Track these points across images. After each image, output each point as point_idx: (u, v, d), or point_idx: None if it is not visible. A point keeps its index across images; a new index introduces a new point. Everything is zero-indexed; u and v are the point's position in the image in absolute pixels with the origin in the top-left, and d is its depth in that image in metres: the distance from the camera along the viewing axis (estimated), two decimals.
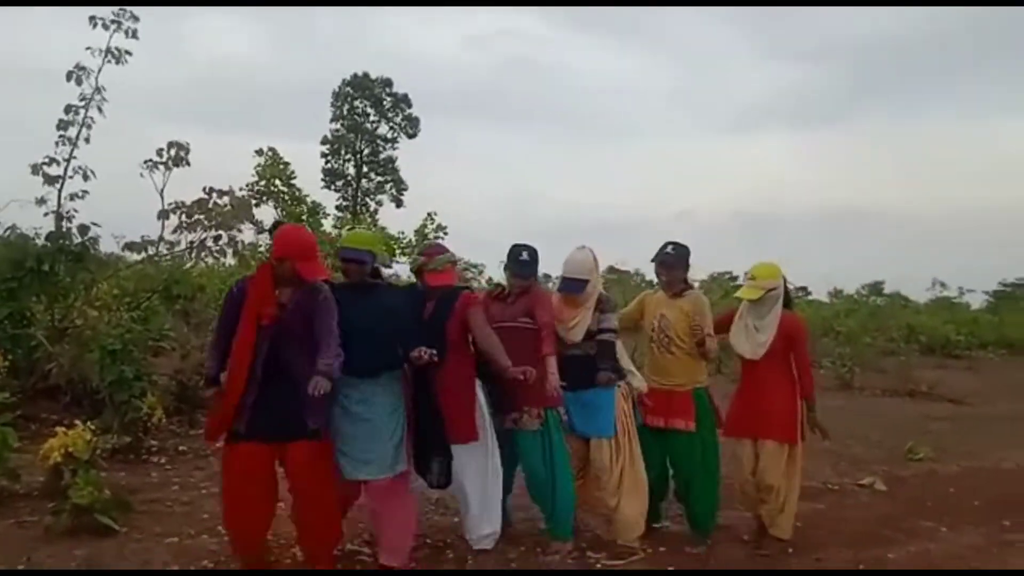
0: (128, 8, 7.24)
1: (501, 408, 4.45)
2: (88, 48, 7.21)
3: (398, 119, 44.03)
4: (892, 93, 77.67)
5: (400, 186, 43.88)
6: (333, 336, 3.74)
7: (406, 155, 44.38)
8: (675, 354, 4.74)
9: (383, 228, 17.55)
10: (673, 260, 4.80)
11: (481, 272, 18.39)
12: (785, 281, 4.79)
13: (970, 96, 79.26)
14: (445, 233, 17.95)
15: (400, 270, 18.21)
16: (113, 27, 7.25)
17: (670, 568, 4.47)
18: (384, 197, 43.82)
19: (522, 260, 4.52)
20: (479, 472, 4.36)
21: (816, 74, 74.35)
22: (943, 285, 28.66)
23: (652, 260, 4.87)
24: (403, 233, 18.09)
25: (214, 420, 3.86)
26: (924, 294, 29.29)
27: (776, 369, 4.69)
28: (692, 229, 65.28)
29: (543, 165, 70.32)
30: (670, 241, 4.85)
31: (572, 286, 4.57)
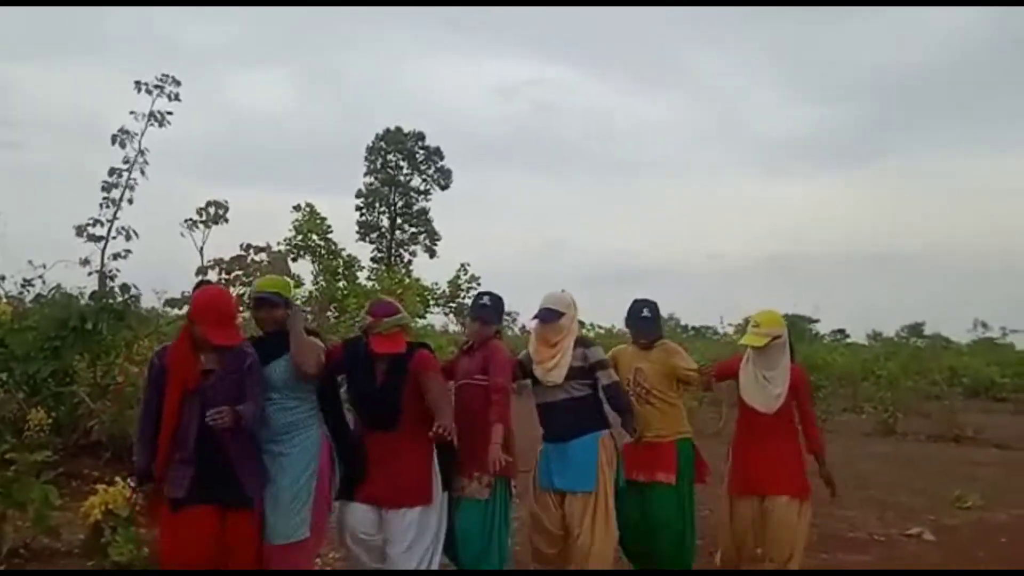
0: (170, 74, 7.52)
1: (450, 473, 4.17)
2: (132, 112, 7.47)
3: (431, 171, 44.71)
4: (925, 130, 77.16)
5: (433, 237, 44.35)
6: (259, 401, 3.66)
7: (439, 206, 44.96)
8: (654, 404, 4.63)
9: (417, 279, 17.73)
10: (650, 323, 4.75)
11: (515, 320, 18.45)
12: (789, 331, 4.71)
13: (1005, 130, 78.43)
14: (478, 283, 18.11)
15: (434, 321, 18.37)
16: (156, 91, 7.52)
17: None
18: (418, 248, 44.31)
19: (482, 304, 4.36)
20: (422, 538, 4.02)
21: (850, 113, 74.20)
22: (985, 325, 28.21)
23: (626, 322, 4.83)
24: (437, 284, 18.28)
25: (155, 507, 3.70)
26: (966, 335, 28.77)
27: (781, 421, 4.56)
28: (723, 272, 64.85)
29: (573, 211, 70.67)
30: (642, 301, 4.78)
31: (547, 314, 4.40)
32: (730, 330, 21.22)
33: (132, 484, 4.31)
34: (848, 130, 73.06)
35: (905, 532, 6.55)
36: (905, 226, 74.85)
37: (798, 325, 38.84)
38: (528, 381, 4.58)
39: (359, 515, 4.01)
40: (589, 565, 4.27)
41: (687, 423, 4.79)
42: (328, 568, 4.99)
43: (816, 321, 36.81)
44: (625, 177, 71.58)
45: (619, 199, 69.94)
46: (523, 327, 20.69)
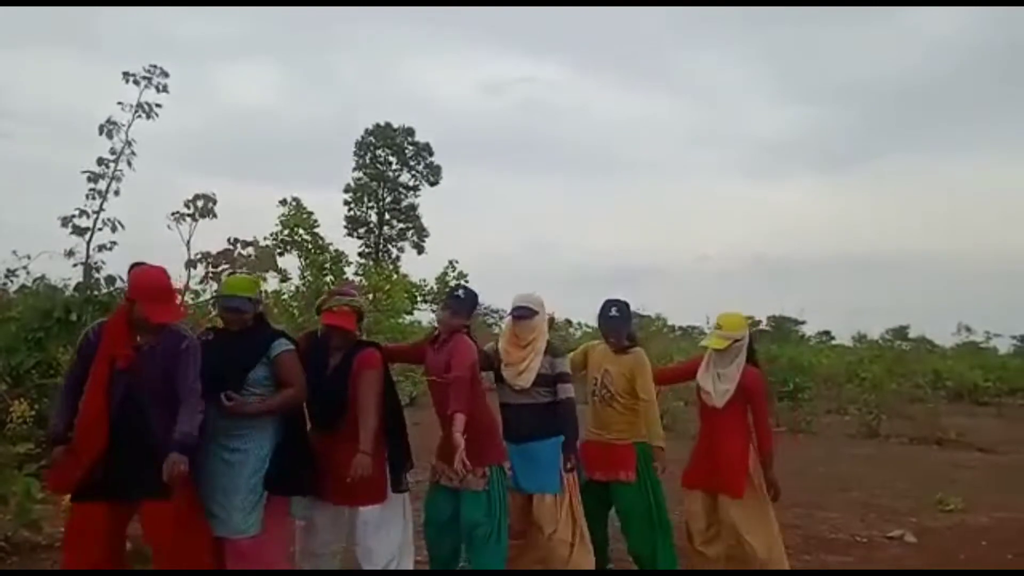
0: (159, 65, 7.46)
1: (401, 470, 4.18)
2: (120, 103, 7.41)
3: (420, 167, 44.61)
4: (915, 135, 77.63)
5: (422, 233, 44.27)
6: (193, 393, 3.51)
7: (428, 202, 44.89)
8: (616, 408, 4.68)
9: (405, 275, 17.72)
10: (618, 322, 4.76)
11: (503, 318, 18.47)
12: (750, 335, 4.80)
13: (995, 138, 79.11)
14: (467, 280, 18.14)
15: (421, 317, 18.36)
16: (144, 83, 7.46)
17: None
18: (406, 244, 44.24)
19: (455, 295, 4.35)
20: (385, 537, 4.06)
21: (838, 116, 74.68)
22: (969, 330, 28.39)
23: (598, 320, 4.84)
24: (425, 280, 18.30)
25: (58, 472, 3.60)
26: (950, 339, 28.98)
27: (732, 422, 4.65)
28: (711, 273, 65.09)
29: (562, 210, 70.79)
30: (611, 300, 4.80)
31: (522, 311, 4.43)
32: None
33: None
34: (836, 133, 73.60)
35: (887, 534, 6.58)
36: (891, 229, 75.46)
37: (783, 327, 39.07)
38: (490, 374, 4.58)
39: (317, 525, 4.07)
40: (572, 559, 4.38)
41: (641, 430, 4.75)
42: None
43: (802, 323, 37.10)
44: (615, 176, 71.84)
45: (608, 198, 70.18)
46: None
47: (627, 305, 4.81)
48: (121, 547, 3.70)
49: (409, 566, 4.20)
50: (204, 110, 61.78)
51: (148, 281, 3.58)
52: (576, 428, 4.43)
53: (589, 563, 4.47)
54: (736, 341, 4.65)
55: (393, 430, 4.12)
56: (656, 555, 4.70)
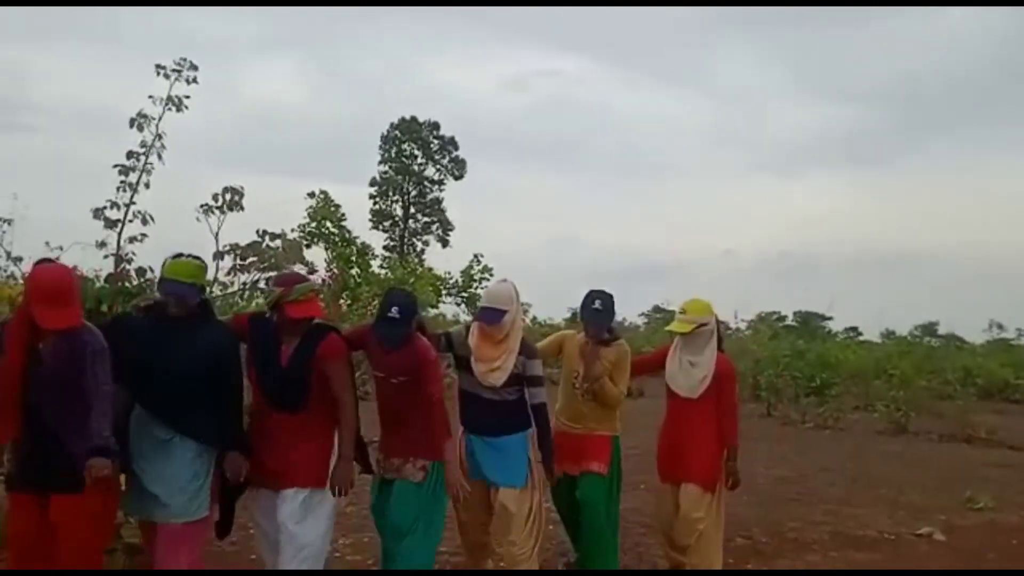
0: (188, 58, 7.52)
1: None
2: (150, 96, 7.48)
3: (445, 161, 44.68)
4: (942, 133, 76.54)
5: (446, 227, 44.38)
6: (104, 397, 3.32)
7: (452, 196, 44.96)
8: (595, 402, 4.58)
9: (430, 269, 17.78)
10: (601, 315, 4.60)
11: (527, 312, 18.45)
12: (717, 320, 4.70)
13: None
14: (491, 274, 18.14)
15: (446, 310, 18.42)
16: (174, 76, 7.53)
17: None
18: (431, 238, 44.36)
19: (390, 316, 3.90)
20: (314, 521, 3.86)
21: (864, 114, 73.64)
22: (1000, 327, 27.99)
23: (580, 312, 4.69)
24: (449, 274, 18.33)
25: None
26: (980, 335, 28.59)
27: (702, 411, 4.57)
28: (736, 269, 64.53)
29: (586, 205, 70.58)
30: (595, 292, 4.64)
31: (489, 315, 4.17)
32: (743, 326, 21.25)
33: None
34: (866, 130, 72.59)
35: (916, 532, 6.51)
36: (921, 226, 74.44)
37: (810, 322, 38.71)
38: (450, 356, 4.45)
39: (260, 506, 3.95)
40: (517, 565, 4.25)
41: (618, 423, 4.71)
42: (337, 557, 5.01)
43: (829, 319, 36.74)
44: (639, 172, 71.49)
45: (632, 194, 69.90)
46: (534, 318, 20.71)
47: (611, 298, 4.64)
48: (38, 542, 3.46)
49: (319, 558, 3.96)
50: (231, 105, 62.24)
51: (44, 283, 3.30)
52: (550, 432, 4.30)
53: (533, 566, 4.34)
54: (701, 325, 4.54)
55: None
56: (606, 552, 4.62)
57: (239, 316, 4.18)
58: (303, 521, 3.81)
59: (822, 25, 75.08)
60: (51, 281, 3.32)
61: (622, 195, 68.99)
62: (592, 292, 4.60)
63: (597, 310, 4.59)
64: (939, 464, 10.33)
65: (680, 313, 4.64)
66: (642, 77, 76.62)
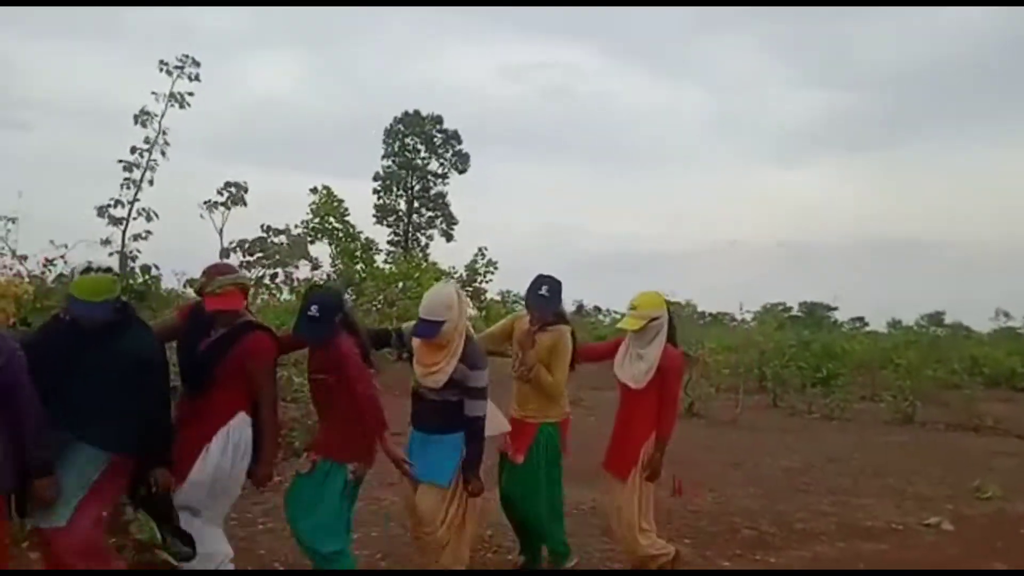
0: (190, 55, 7.53)
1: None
2: (153, 93, 7.50)
3: (448, 155, 44.60)
4: (943, 120, 76.33)
5: (450, 221, 44.29)
6: (31, 413, 3.19)
7: (456, 190, 44.91)
8: (532, 386, 4.53)
9: (434, 263, 17.78)
10: (546, 301, 4.51)
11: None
12: (670, 313, 4.62)
13: None
14: (495, 268, 18.14)
15: None
16: (177, 72, 7.54)
17: None
18: (434, 232, 44.30)
19: (309, 315, 3.79)
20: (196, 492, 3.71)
21: (862, 101, 73.47)
22: (1007, 315, 27.94)
23: (526, 296, 4.60)
24: (454, 268, 18.33)
25: None
26: (987, 324, 28.54)
27: (646, 403, 4.47)
28: (740, 259, 64.55)
29: (589, 196, 70.51)
30: (543, 277, 4.53)
31: (425, 329, 3.98)
32: (748, 316, 21.24)
33: None
34: (867, 118, 72.35)
35: (923, 522, 6.49)
36: (927, 214, 74.26)
37: (815, 313, 38.70)
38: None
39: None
40: (441, 561, 4.14)
41: (560, 409, 4.64)
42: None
43: (834, 309, 36.72)
44: (642, 163, 71.42)
45: (636, 185, 69.85)
46: None
47: (559, 284, 4.55)
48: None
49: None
50: (232, 99, 62.29)
51: None
52: (482, 448, 4.09)
53: (457, 565, 4.23)
54: (653, 320, 4.47)
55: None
56: (546, 540, 4.62)
57: (181, 308, 4.12)
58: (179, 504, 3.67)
59: (820, 14, 74.64)
60: None
61: (625, 186, 69.01)
62: (540, 277, 4.52)
63: (543, 295, 4.50)
64: (946, 454, 10.31)
65: (631, 308, 4.53)
66: (643, 67, 76.55)
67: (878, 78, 74.70)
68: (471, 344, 4.10)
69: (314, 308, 3.78)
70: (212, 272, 3.78)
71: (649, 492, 4.53)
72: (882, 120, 73.27)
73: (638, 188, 70.11)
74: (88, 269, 3.44)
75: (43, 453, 3.23)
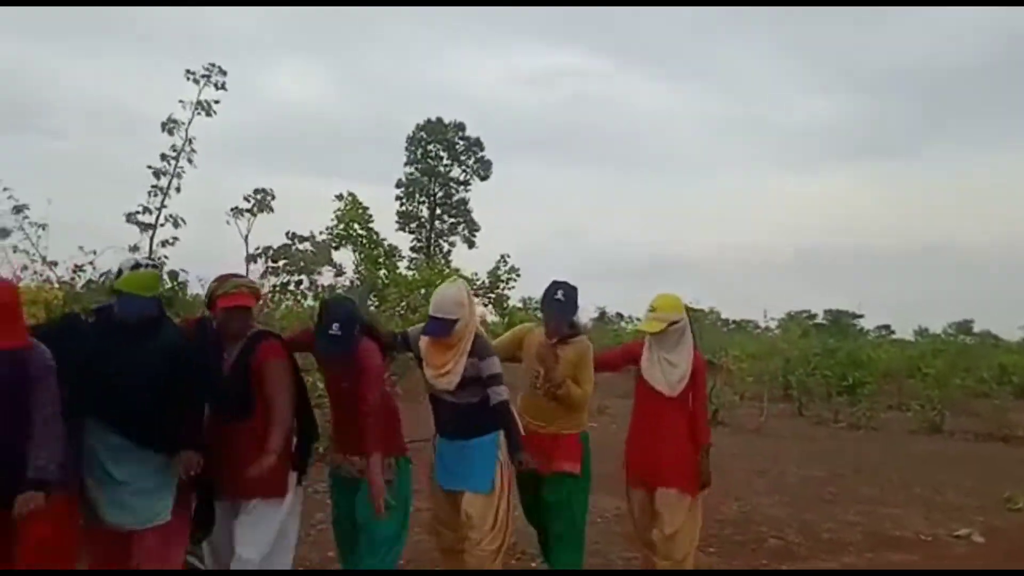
0: (217, 63, 7.60)
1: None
2: (180, 101, 7.58)
3: (470, 162, 44.76)
4: (969, 122, 74.97)
5: (472, 227, 44.44)
6: (49, 422, 3.18)
7: (478, 197, 45.05)
8: (559, 401, 4.31)
9: (457, 269, 17.78)
10: (563, 307, 4.34)
11: (534, 311, 18.44)
12: (689, 315, 4.52)
13: None
14: (518, 275, 18.12)
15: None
16: (203, 80, 7.61)
17: None
18: (457, 238, 44.44)
19: (331, 334, 3.73)
20: (266, 531, 3.74)
21: (884, 105, 72.46)
22: None
23: (541, 304, 4.43)
24: (476, 274, 18.33)
25: None
26: (1017, 333, 28.13)
27: (675, 410, 4.35)
28: (766, 266, 64.06)
29: (611, 201, 70.05)
30: (558, 282, 4.37)
31: (437, 327, 3.90)
32: (772, 324, 21.07)
33: None
34: (889, 120, 71.53)
35: (953, 533, 6.40)
36: (954, 220, 73.34)
37: (841, 320, 38.31)
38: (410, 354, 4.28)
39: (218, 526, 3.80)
40: (481, 565, 4.02)
41: (587, 418, 4.55)
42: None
43: (860, 316, 36.35)
44: (660, 168, 71.04)
45: (654, 190, 69.51)
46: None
47: (575, 290, 4.37)
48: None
49: (287, 566, 3.87)
50: (255, 107, 62.78)
51: None
52: (518, 427, 3.98)
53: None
54: (673, 323, 4.34)
55: (303, 422, 3.89)
56: (574, 553, 4.43)
57: (187, 320, 4.09)
58: (258, 529, 3.71)
59: (836, 15, 74.00)
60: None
61: (644, 191, 68.65)
62: (555, 282, 4.36)
63: (559, 300, 4.32)
64: (976, 464, 10.15)
65: (650, 311, 4.40)
66: (661, 71, 76.02)
67: (900, 80, 73.86)
68: (479, 338, 4.01)
69: (335, 327, 3.72)
70: (222, 278, 3.81)
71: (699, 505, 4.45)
72: (906, 123, 72.53)
73: (660, 193, 69.80)
74: (137, 265, 3.49)
75: (41, 470, 3.14)
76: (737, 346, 17.07)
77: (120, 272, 3.49)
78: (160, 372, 3.44)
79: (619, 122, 68.48)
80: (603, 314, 34.81)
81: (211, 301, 3.79)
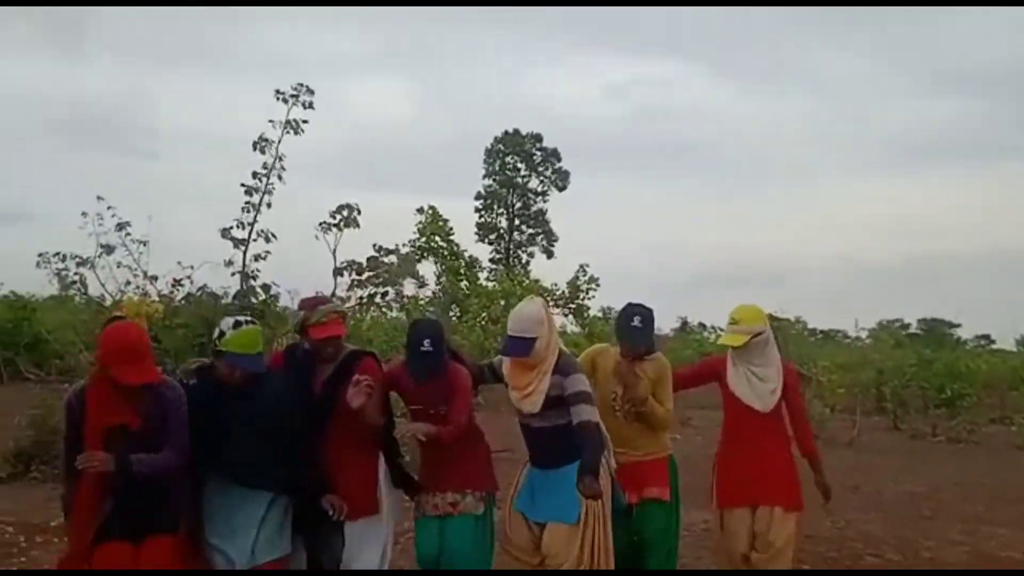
0: (305, 84, 7.85)
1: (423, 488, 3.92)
2: (271, 121, 7.86)
3: (548, 172, 44.91)
4: None
5: (551, 238, 44.54)
6: (176, 451, 3.34)
7: (556, 207, 45.12)
8: (640, 421, 4.18)
9: (536, 280, 17.86)
10: (640, 333, 4.21)
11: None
12: (772, 325, 4.36)
13: None
14: (597, 285, 18.07)
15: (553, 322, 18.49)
16: (292, 100, 7.88)
17: None
18: (535, 249, 44.60)
19: (423, 350, 3.70)
20: (372, 553, 3.80)
21: (987, 106, 69.26)
22: None
23: (616, 328, 4.32)
24: (556, 285, 18.36)
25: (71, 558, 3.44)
26: None
27: (772, 424, 4.20)
28: (854, 274, 61.91)
29: (691, 211, 68.86)
30: (634, 307, 4.26)
31: (516, 347, 3.81)
32: (863, 334, 20.37)
33: None
34: (985, 123, 68.21)
35: None
36: None
37: (936, 330, 36.74)
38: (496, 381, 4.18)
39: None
40: None
41: (668, 440, 4.39)
42: None
43: (957, 326, 34.74)
44: (745, 176, 69.38)
45: (739, 198, 67.69)
46: None
47: (651, 312, 4.27)
48: None
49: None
50: (339, 124, 64.50)
51: (118, 342, 3.31)
52: (598, 451, 3.73)
53: None
54: (757, 335, 4.18)
55: (388, 442, 3.93)
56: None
57: (275, 355, 4.11)
58: (362, 549, 3.76)
59: (934, 16, 71.17)
60: (122, 339, 3.32)
61: (728, 200, 67.02)
62: (630, 306, 4.27)
63: (637, 327, 4.19)
64: None
65: (731, 323, 4.26)
66: (742, 77, 74.46)
67: (1002, 81, 70.55)
68: (563, 355, 3.89)
69: (427, 343, 3.69)
70: (310, 304, 3.84)
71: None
72: (1007, 126, 69.15)
73: (741, 202, 68.23)
74: (238, 323, 3.55)
75: (143, 464, 3.28)
76: (826, 357, 16.57)
77: (222, 333, 3.53)
78: (269, 423, 3.55)
79: (700, 130, 67.47)
80: (685, 324, 34.36)
81: (303, 328, 3.82)
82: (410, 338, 3.77)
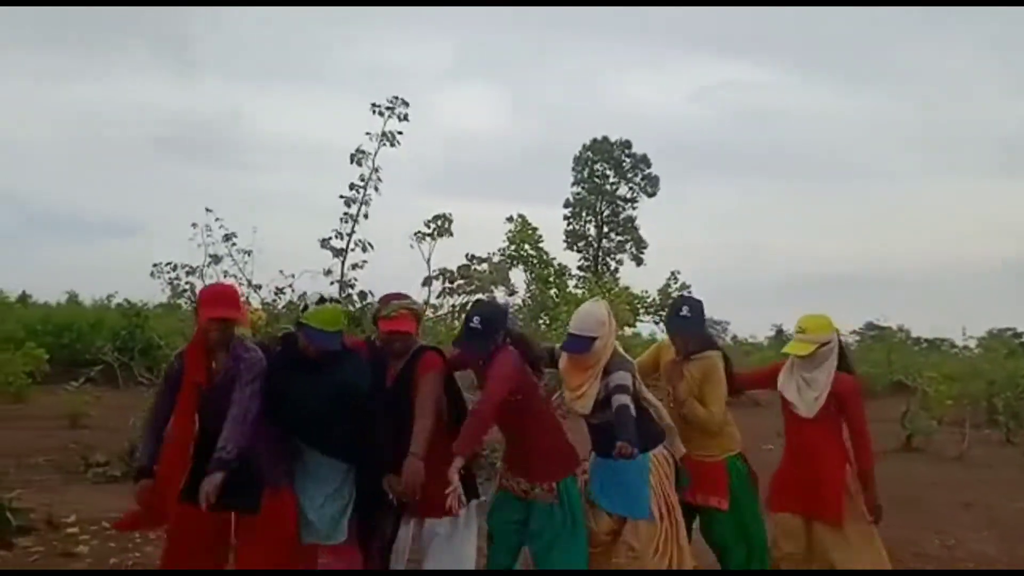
0: (400, 96, 8.03)
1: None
2: (367, 133, 8.08)
3: (637, 179, 44.60)
4: None
5: (640, 245, 44.19)
6: (243, 410, 3.49)
7: (645, 214, 44.74)
8: (692, 423, 4.18)
9: (626, 287, 17.70)
10: (688, 323, 4.21)
11: (725, 329, 17.94)
12: (840, 337, 4.24)
13: None
14: (688, 291, 17.76)
15: (643, 329, 18.28)
16: (387, 113, 8.07)
17: None
18: (624, 256, 44.34)
19: (471, 326, 3.76)
20: (460, 553, 3.88)
21: None
22: None
23: (666, 321, 4.33)
24: (647, 292, 18.17)
25: (136, 514, 3.70)
26: None
27: (824, 434, 4.15)
28: (959, 280, 58.99)
29: (784, 215, 67.11)
30: (684, 298, 4.30)
31: (576, 343, 3.87)
32: (972, 343, 19.39)
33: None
34: None
35: None
36: None
37: None
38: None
39: (400, 536, 3.92)
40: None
41: (735, 439, 4.31)
42: None
43: None
44: (841, 179, 67.39)
45: (835, 202, 65.75)
46: (734, 336, 20.04)
47: (700, 304, 4.27)
48: (222, 554, 3.75)
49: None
50: (434, 134, 65.69)
51: (211, 289, 3.94)
52: (631, 429, 3.62)
53: None
54: (823, 345, 4.14)
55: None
56: None
57: (359, 342, 4.16)
58: (450, 548, 3.84)
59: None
60: (219, 286, 4.08)
61: (823, 203, 65.20)
62: (680, 297, 4.32)
63: (685, 317, 4.22)
64: None
65: (798, 332, 4.22)
66: (839, 79, 71.91)
67: None
68: (614, 355, 3.92)
69: (476, 320, 3.76)
70: (386, 298, 3.97)
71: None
72: None
73: (839, 205, 66.13)
74: (322, 299, 3.70)
75: (226, 453, 3.42)
76: (932, 367, 15.86)
77: (306, 306, 3.71)
78: (330, 406, 3.68)
79: (795, 134, 65.71)
80: (780, 332, 33.45)
81: (375, 321, 3.99)
82: (467, 313, 3.91)
